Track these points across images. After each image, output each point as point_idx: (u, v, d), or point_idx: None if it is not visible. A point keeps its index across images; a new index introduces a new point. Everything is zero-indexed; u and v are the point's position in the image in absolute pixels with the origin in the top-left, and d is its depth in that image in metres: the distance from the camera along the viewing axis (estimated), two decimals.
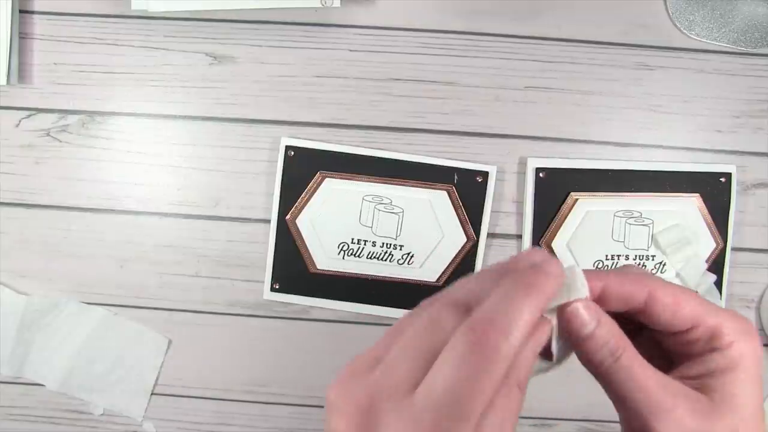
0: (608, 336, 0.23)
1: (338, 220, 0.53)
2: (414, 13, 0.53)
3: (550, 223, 0.53)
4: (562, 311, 0.23)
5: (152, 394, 0.55)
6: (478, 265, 0.53)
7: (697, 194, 0.53)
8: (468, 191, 0.53)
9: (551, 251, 0.53)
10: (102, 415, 0.55)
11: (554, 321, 0.24)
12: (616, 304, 0.24)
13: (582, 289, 0.23)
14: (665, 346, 0.26)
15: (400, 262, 0.53)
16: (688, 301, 0.24)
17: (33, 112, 0.53)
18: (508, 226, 0.54)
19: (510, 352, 0.21)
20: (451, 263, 0.53)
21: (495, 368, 0.20)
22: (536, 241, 0.53)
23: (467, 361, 0.20)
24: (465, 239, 0.53)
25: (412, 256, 0.53)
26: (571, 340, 0.24)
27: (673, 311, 0.24)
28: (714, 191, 0.53)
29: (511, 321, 0.21)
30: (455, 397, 0.20)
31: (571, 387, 0.53)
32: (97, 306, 0.54)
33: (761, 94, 0.54)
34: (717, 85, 0.54)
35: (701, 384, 0.24)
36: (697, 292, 0.26)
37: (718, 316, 0.24)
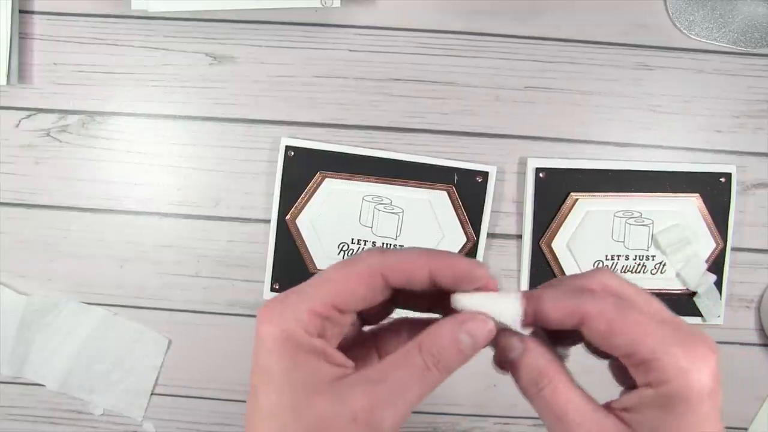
0: (533, 365, 0.23)
1: (338, 220, 0.53)
2: (414, 13, 0.53)
3: (550, 223, 0.53)
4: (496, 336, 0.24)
5: (152, 394, 0.55)
6: None
7: (697, 194, 0.53)
8: (468, 191, 0.53)
9: (551, 251, 0.53)
10: (102, 415, 0.55)
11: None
12: (552, 325, 0.23)
13: (507, 310, 0.23)
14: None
15: None
16: (626, 328, 0.22)
17: (33, 112, 0.54)
18: (508, 226, 0.54)
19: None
20: None
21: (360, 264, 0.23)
22: (536, 241, 0.53)
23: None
24: (465, 239, 0.53)
25: None
26: (501, 361, 0.24)
27: (606, 338, 0.22)
28: (714, 191, 0.53)
29: (396, 254, 0.23)
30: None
31: None
32: (97, 306, 0.54)
33: (761, 94, 0.54)
34: (717, 85, 0.54)
35: (632, 418, 0.22)
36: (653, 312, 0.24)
37: (656, 348, 0.21)
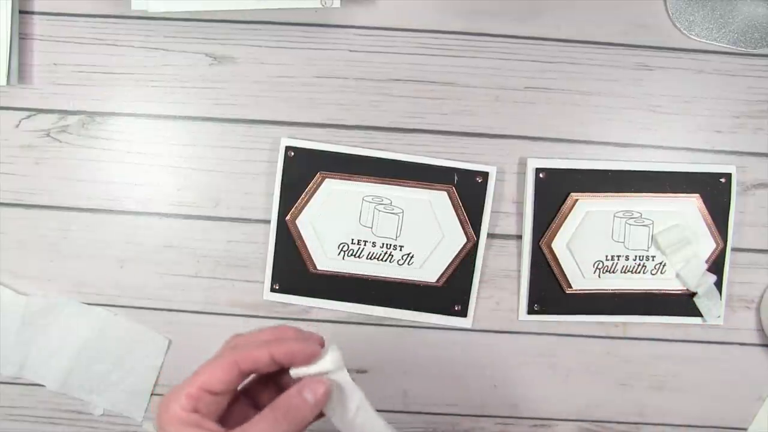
0: None
1: (338, 221, 0.53)
2: (414, 13, 0.53)
3: (550, 224, 0.53)
4: None
5: (152, 394, 0.55)
6: (478, 265, 0.53)
7: (697, 194, 0.53)
8: (468, 192, 0.53)
9: (551, 252, 0.53)
10: (102, 415, 0.55)
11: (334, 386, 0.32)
12: None
13: (328, 365, 0.32)
14: None
15: (400, 262, 0.53)
16: None
17: (33, 113, 0.54)
18: (508, 226, 0.54)
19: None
20: (451, 264, 0.53)
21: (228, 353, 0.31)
22: (536, 241, 0.53)
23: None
24: (465, 240, 0.53)
25: (412, 257, 0.53)
26: None
27: None
28: (714, 191, 0.53)
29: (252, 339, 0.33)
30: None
31: (570, 387, 0.53)
32: (97, 306, 0.54)
33: (761, 94, 0.54)
34: (717, 86, 0.54)
35: None
36: None
37: None
